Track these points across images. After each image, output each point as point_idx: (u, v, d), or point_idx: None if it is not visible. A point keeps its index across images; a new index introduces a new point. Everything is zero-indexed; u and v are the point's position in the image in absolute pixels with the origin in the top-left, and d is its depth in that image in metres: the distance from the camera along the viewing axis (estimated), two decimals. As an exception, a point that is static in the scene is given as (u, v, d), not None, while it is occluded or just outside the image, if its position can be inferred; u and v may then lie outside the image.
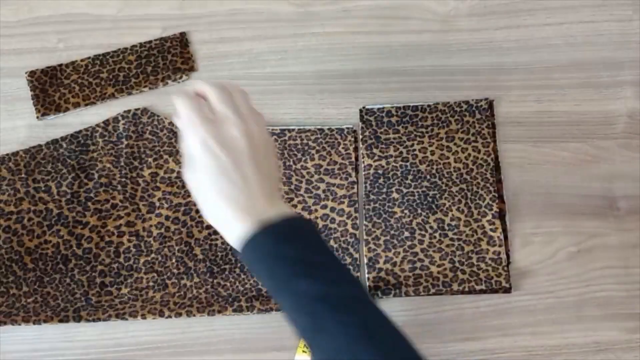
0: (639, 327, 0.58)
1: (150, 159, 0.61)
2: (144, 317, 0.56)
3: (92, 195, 0.60)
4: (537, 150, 0.63)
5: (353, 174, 0.61)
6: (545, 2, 0.67)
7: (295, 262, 0.41)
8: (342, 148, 0.62)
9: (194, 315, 0.57)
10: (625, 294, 0.59)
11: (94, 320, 0.57)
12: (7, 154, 0.61)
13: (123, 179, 0.60)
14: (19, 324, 0.56)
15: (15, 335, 0.58)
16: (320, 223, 0.60)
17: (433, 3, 0.67)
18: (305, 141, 0.62)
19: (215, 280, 0.58)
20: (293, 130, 0.62)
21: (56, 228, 0.59)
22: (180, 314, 0.57)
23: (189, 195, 0.60)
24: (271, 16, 0.67)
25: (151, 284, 0.58)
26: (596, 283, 0.59)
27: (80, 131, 0.62)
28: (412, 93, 0.64)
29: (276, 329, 0.58)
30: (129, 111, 0.62)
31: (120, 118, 0.62)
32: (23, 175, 0.60)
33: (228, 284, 0.58)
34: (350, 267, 0.59)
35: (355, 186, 0.61)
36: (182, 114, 0.45)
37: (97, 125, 0.62)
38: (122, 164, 0.60)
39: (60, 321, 0.57)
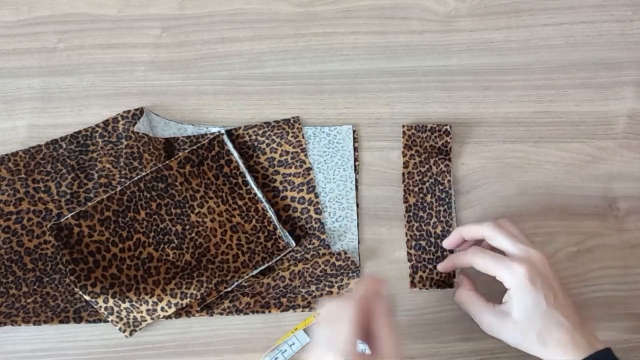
0: (639, 327, 0.58)
1: (150, 159, 0.61)
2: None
3: (91, 195, 0.60)
4: (537, 150, 0.63)
5: (307, 161, 0.61)
6: (545, 2, 0.67)
7: None
8: (292, 137, 0.62)
9: (194, 315, 0.57)
10: (625, 294, 0.59)
11: (94, 322, 0.57)
12: (7, 154, 0.61)
13: (123, 180, 0.60)
14: (19, 325, 0.56)
15: (15, 335, 0.57)
16: (283, 214, 0.60)
17: (433, 3, 0.67)
18: (253, 137, 0.62)
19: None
20: (239, 128, 0.62)
21: (56, 228, 0.59)
22: (180, 315, 0.57)
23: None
24: (271, 16, 0.67)
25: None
26: (596, 283, 0.59)
27: (80, 131, 0.62)
28: (412, 93, 0.64)
29: (276, 328, 0.58)
30: (128, 111, 0.62)
31: (120, 118, 0.62)
32: (22, 176, 0.60)
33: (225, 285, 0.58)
34: (321, 248, 0.59)
35: (312, 173, 0.61)
36: (492, 264, 0.51)
37: (97, 125, 0.62)
38: (122, 164, 0.60)
39: (61, 322, 0.57)
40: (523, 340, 0.50)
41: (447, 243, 0.58)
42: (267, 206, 0.59)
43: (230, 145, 0.60)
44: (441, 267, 0.58)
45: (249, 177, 0.60)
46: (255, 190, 0.60)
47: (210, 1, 0.67)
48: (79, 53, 0.66)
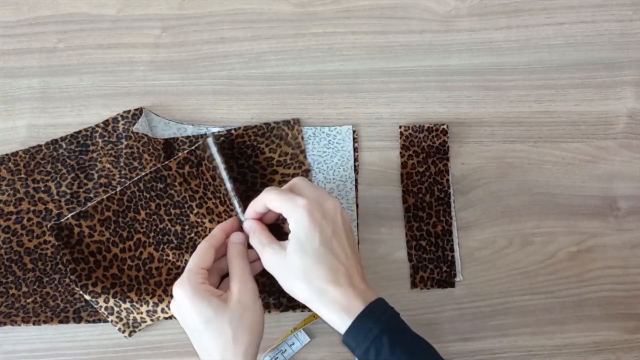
0: (639, 327, 0.58)
1: (149, 160, 0.61)
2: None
3: (91, 195, 0.60)
4: (537, 150, 0.63)
5: (306, 163, 0.62)
6: (545, 2, 0.67)
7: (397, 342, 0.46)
8: (291, 138, 0.62)
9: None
10: (625, 294, 0.59)
11: (94, 322, 0.57)
12: (7, 154, 0.61)
13: (122, 180, 0.60)
14: (19, 325, 0.56)
15: (15, 335, 0.57)
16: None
17: (433, 3, 0.67)
18: (253, 137, 0.62)
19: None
20: (239, 128, 0.62)
21: (56, 228, 0.59)
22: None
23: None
24: (271, 16, 0.67)
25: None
26: (596, 283, 0.59)
27: (80, 131, 0.62)
28: (412, 93, 0.64)
29: (275, 328, 0.58)
30: (128, 111, 0.62)
31: (120, 118, 0.62)
32: (23, 176, 0.60)
33: None
34: None
35: (310, 175, 0.61)
36: (278, 199, 0.48)
37: (97, 125, 0.62)
38: (122, 164, 0.60)
39: (60, 322, 0.57)
40: (290, 278, 0.47)
41: (249, 213, 0.53)
42: (239, 211, 0.56)
43: (214, 150, 0.58)
44: (248, 212, 0.53)
45: (228, 185, 0.56)
46: (232, 196, 0.56)
47: (210, 1, 0.67)
48: (79, 53, 0.66)
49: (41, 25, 0.66)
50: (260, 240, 0.50)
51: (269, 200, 0.50)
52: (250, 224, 0.53)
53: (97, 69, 0.65)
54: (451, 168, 0.62)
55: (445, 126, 0.62)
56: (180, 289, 0.48)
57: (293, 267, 0.47)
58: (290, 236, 0.48)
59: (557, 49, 0.66)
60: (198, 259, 0.50)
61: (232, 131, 0.62)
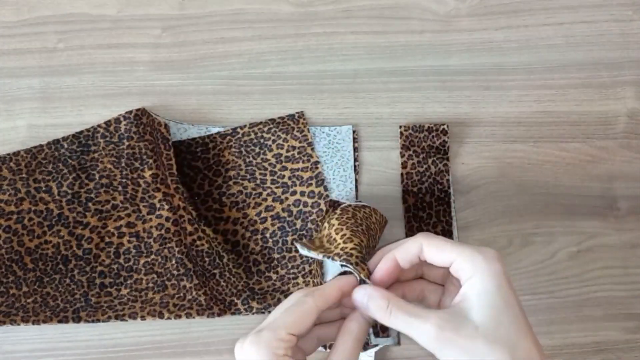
0: (639, 327, 0.58)
1: (151, 160, 0.61)
2: (143, 318, 0.56)
3: (92, 195, 0.60)
4: (537, 150, 0.63)
5: (314, 155, 0.62)
6: (545, 2, 0.67)
7: None
8: (297, 132, 0.62)
9: (194, 318, 0.57)
10: (625, 294, 0.59)
11: (93, 322, 0.57)
12: (8, 154, 0.61)
13: (124, 180, 0.60)
14: (18, 324, 0.56)
15: (15, 335, 0.58)
16: (294, 210, 0.60)
17: (433, 3, 0.67)
18: (259, 134, 0.62)
19: (211, 283, 0.58)
20: (245, 126, 0.63)
21: (56, 228, 0.59)
22: (179, 316, 0.57)
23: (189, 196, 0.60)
24: (271, 16, 0.67)
25: (151, 285, 0.58)
26: (596, 283, 0.59)
27: (81, 131, 0.62)
28: (412, 93, 0.64)
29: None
30: (130, 112, 0.62)
31: (122, 119, 0.62)
32: (24, 175, 0.60)
33: (220, 288, 0.58)
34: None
35: (319, 166, 0.61)
36: (449, 247, 0.38)
37: (99, 125, 0.62)
38: (123, 164, 0.60)
39: (60, 322, 0.57)
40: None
41: (382, 273, 0.40)
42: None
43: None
44: (381, 273, 0.40)
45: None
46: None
47: (210, 1, 0.67)
48: (79, 53, 0.66)
49: (41, 25, 0.67)
50: (410, 312, 0.37)
51: (432, 247, 0.38)
52: (382, 294, 0.38)
53: (97, 69, 0.65)
54: (451, 168, 0.62)
55: (445, 126, 0.62)
56: (253, 348, 0.36)
57: (492, 345, 0.36)
58: (473, 297, 0.37)
59: (557, 49, 0.66)
60: (291, 320, 0.37)
61: (238, 129, 0.62)
